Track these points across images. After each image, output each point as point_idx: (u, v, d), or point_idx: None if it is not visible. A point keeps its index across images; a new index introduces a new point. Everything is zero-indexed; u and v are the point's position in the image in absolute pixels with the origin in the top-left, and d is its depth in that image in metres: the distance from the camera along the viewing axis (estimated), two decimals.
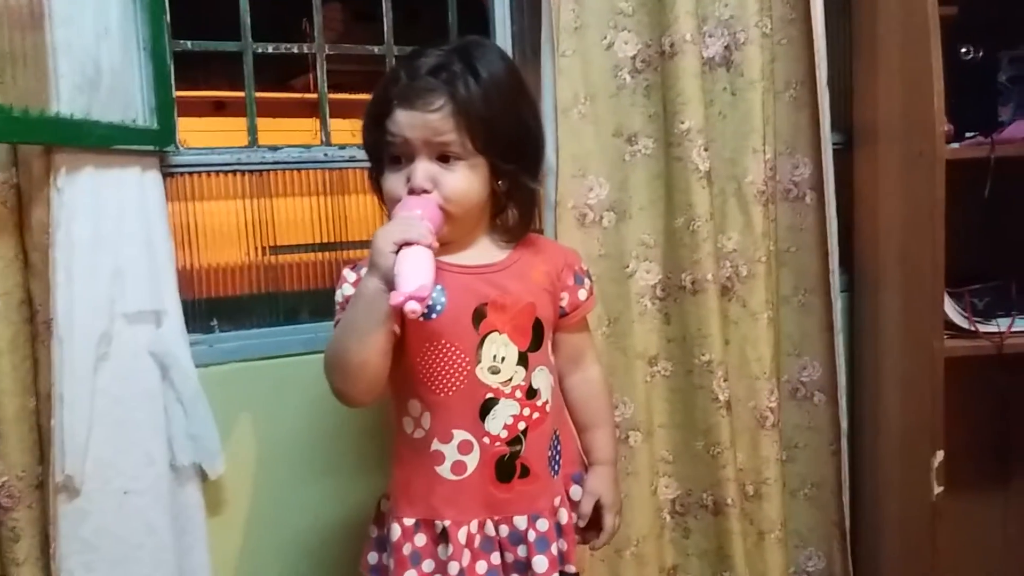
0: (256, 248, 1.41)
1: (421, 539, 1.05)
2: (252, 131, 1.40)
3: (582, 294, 1.14)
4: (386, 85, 1.04)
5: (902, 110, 1.46)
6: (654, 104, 1.44)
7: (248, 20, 1.38)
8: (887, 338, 1.55)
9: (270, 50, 1.42)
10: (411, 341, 1.03)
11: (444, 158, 1.01)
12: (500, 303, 1.05)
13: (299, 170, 1.43)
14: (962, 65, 1.47)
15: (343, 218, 1.47)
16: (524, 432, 1.05)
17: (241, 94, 1.41)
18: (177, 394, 1.19)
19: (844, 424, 1.58)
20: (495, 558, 1.05)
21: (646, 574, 1.50)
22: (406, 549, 1.05)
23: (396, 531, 1.05)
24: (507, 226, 1.10)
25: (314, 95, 1.51)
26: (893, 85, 1.48)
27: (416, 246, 0.92)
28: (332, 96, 1.47)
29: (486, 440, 1.04)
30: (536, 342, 1.08)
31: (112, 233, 1.11)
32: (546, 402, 1.08)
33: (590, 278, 1.17)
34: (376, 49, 1.50)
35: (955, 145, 1.40)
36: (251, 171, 1.39)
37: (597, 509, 1.14)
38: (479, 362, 1.03)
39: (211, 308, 1.37)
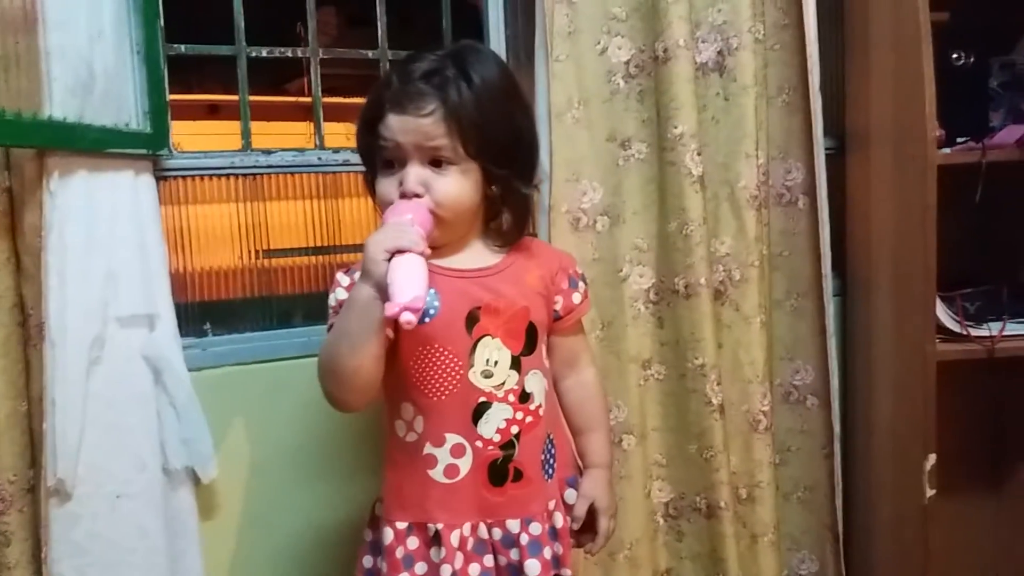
0: (249, 252, 1.41)
1: (414, 542, 1.05)
2: (246, 135, 1.40)
3: (576, 297, 1.15)
4: (379, 89, 1.05)
5: (894, 115, 1.47)
6: (647, 109, 1.45)
7: (242, 24, 1.38)
8: (879, 342, 1.55)
9: (264, 54, 1.42)
10: (404, 345, 1.03)
11: (436, 163, 1.01)
12: (493, 307, 1.05)
13: (293, 174, 1.43)
14: (954, 71, 1.47)
15: (337, 222, 1.47)
16: (517, 436, 1.06)
17: (235, 98, 1.41)
18: (170, 398, 1.19)
19: (837, 427, 1.58)
20: (488, 561, 1.05)
21: None
22: (399, 552, 1.05)
23: (389, 534, 1.05)
24: (501, 230, 1.10)
25: (308, 99, 1.51)
26: (885, 90, 1.49)
27: (409, 254, 0.92)
28: (326, 100, 1.48)
29: (479, 444, 1.04)
30: (529, 346, 1.08)
31: (105, 236, 1.11)
32: (539, 406, 1.09)
33: (584, 281, 1.17)
34: (370, 53, 1.50)
35: (947, 150, 1.40)
36: (244, 175, 1.39)
37: (592, 512, 1.14)
38: (472, 366, 1.03)
39: (204, 312, 1.37)
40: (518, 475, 1.06)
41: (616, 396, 1.47)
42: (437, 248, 1.01)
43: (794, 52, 1.52)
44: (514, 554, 1.05)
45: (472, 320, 1.04)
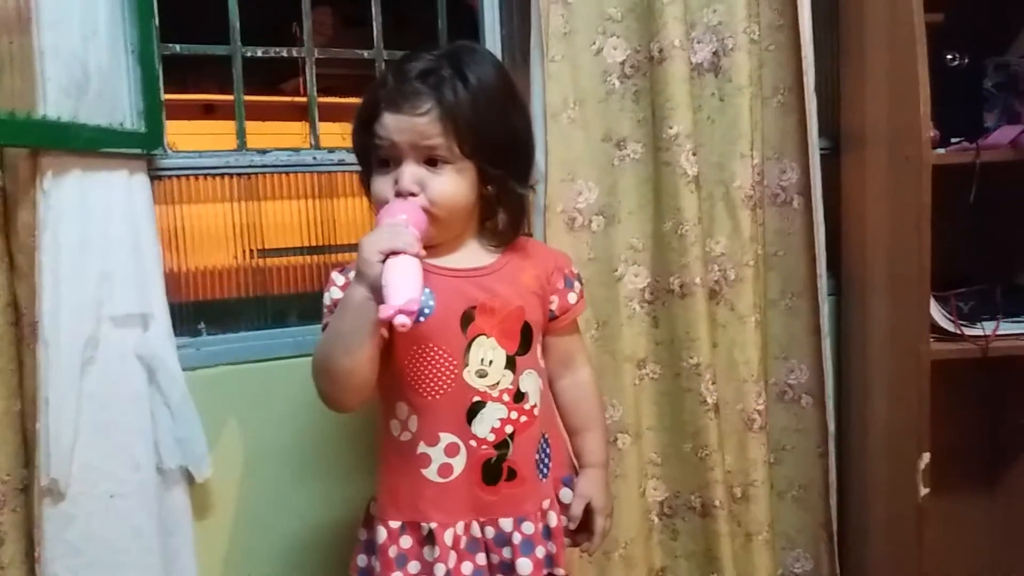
0: (244, 251, 1.41)
1: (407, 541, 1.05)
2: (241, 134, 1.40)
3: (572, 297, 1.15)
4: (375, 89, 1.05)
5: (889, 116, 1.47)
6: (643, 109, 1.45)
7: (237, 24, 1.38)
8: (874, 341, 1.56)
9: (259, 54, 1.42)
10: (399, 344, 1.03)
11: (432, 162, 1.01)
12: (488, 307, 1.05)
13: (288, 173, 1.43)
14: (948, 71, 1.48)
15: (332, 221, 1.47)
16: (511, 435, 1.06)
17: (230, 98, 1.41)
18: (164, 397, 1.19)
19: (831, 426, 1.59)
20: (480, 559, 1.05)
21: (635, 575, 1.50)
22: (392, 551, 1.05)
23: (382, 533, 1.05)
24: (496, 230, 1.10)
25: (304, 99, 1.51)
26: (880, 91, 1.49)
27: (403, 255, 0.91)
28: (322, 100, 1.48)
29: (473, 443, 1.04)
30: (524, 346, 1.08)
31: (99, 236, 1.11)
32: (534, 406, 1.09)
33: (580, 281, 1.17)
34: (366, 53, 1.50)
35: (941, 151, 1.41)
36: (239, 174, 1.39)
37: (588, 512, 1.14)
38: (467, 365, 1.03)
39: (199, 311, 1.36)
40: (512, 474, 1.06)
41: (611, 395, 1.47)
42: (432, 247, 1.01)
43: (789, 53, 1.52)
44: (507, 552, 1.05)
45: (467, 319, 1.04)
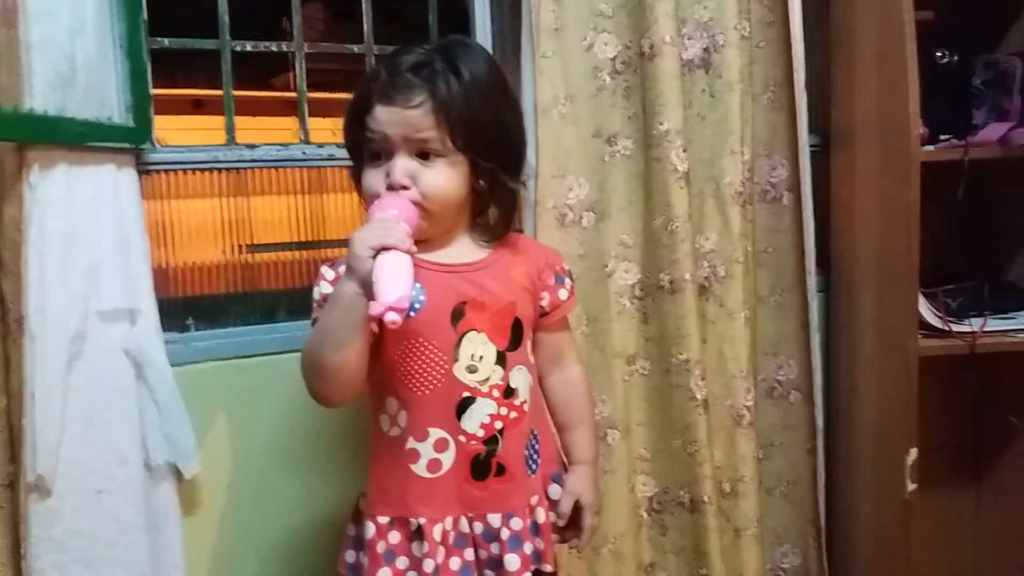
0: (233, 247, 1.40)
1: (395, 537, 1.05)
2: (230, 129, 1.39)
3: (563, 294, 1.15)
4: (367, 82, 1.05)
5: (878, 113, 1.48)
6: (633, 105, 1.45)
7: (227, 18, 1.37)
8: (862, 337, 1.56)
9: (248, 48, 1.41)
10: (389, 339, 1.02)
11: (424, 155, 1.01)
12: (479, 302, 1.05)
13: (277, 168, 1.42)
14: (937, 69, 1.48)
15: (321, 217, 1.46)
16: (501, 431, 1.06)
17: (219, 92, 1.40)
18: (151, 393, 1.18)
19: (820, 422, 1.59)
20: (468, 554, 1.05)
21: (623, 571, 1.51)
22: (380, 547, 1.05)
23: (371, 529, 1.05)
24: (487, 225, 1.10)
25: (293, 94, 1.51)
26: (870, 88, 1.49)
27: (394, 251, 0.91)
28: (312, 95, 1.47)
29: (462, 438, 1.04)
30: (515, 342, 1.08)
31: (86, 231, 1.10)
32: (524, 402, 1.09)
33: (571, 278, 1.17)
34: (356, 48, 1.50)
35: (930, 148, 1.42)
36: (228, 169, 1.38)
37: (576, 509, 1.15)
38: (457, 361, 1.03)
39: (187, 307, 1.36)
40: (501, 470, 1.06)
41: (601, 391, 1.48)
42: (423, 242, 1.01)
43: (780, 49, 1.52)
44: (495, 548, 1.05)
45: (458, 315, 1.04)
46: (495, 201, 1.09)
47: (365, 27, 1.49)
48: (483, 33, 1.53)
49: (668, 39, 1.40)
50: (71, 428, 1.07)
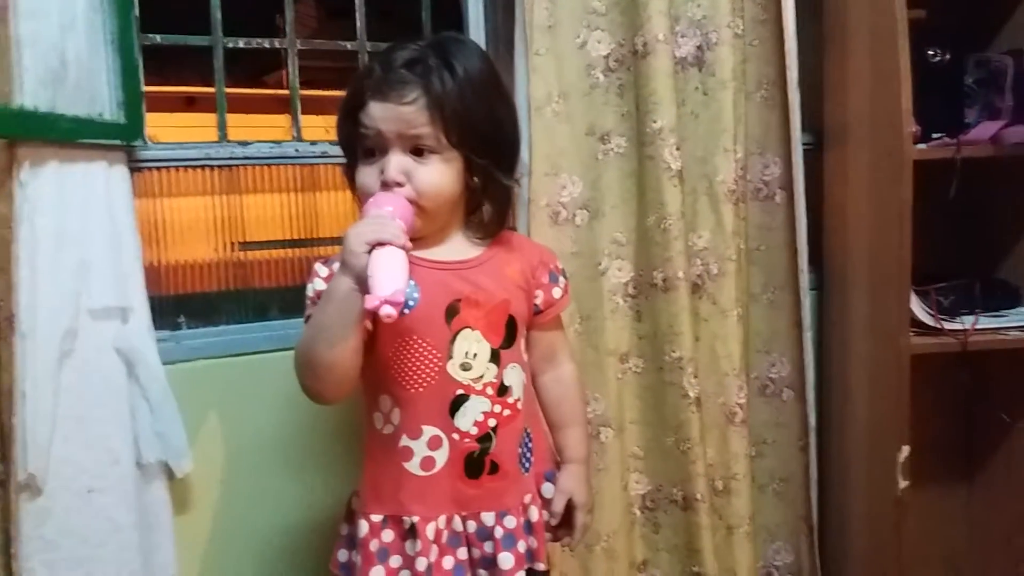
0: (225, 244, 1.40)
1: (389, 535, 1.05)
2: (222, 126, 1.38)
3: (556, 292, 1.15)
4: (361, 78, 1.05)
5: (871, 111, 1.48)
6: (627, 103, 1.45)
7: (219, 14, 1.37)
8: (855, 335, 1.57)
9: (241, 45, 1.40)
10: (382, 336, 1.02)
11: (418, 151, 1.01)
12: (473, 299, 1.05)
13: (270, 165, 1.42)
14: (930, 67, 1.49)
15: (314, 214, 1.46)
16: (495, 429, 1.06)
17: (212, 90, 1.40)
18: (143, 391, 1.17)
19: (812, 420, 1.60)
20: (462, 553, 1.05)
21: (616, 569, 1.51)
22: (373, 545, 1.04)
23: (364, 527, 1.05)
24: (482, 223, 1.10)
25: (286, 91, 1.50)
26: (862, 86, 1.50)
27: (389, 247, 0.91)
28: (305, 92, 1.46)
29: (455, 436, 1.04)
30: (509, 339, 1.08)
31: (77, 228, 1.09)
32: (517, 399, 1.09)
33: (565, 276, 1.17)
34: (349, 45, 1.49)
35: (922, 146, 1.42)
36: (220, 166, 1.38)
37: (568, 508, 1.15)
38: (451, 358, 1.03)
39: (179, 305, 1.35)
40: (494, 468, 1.06)
41: (594, 389, 1.48)
42: (418, 239, 1.01)
43: (772, 47, 1.53)
44: (488, 547, 1.05)
45: (452, 312, 1.04)
46: (489, 198, 1.09)
47: (358, 24, 1.49)
48: (476, 30, 1.53)
49: (661, 37, 1.40)
50: (62, 426, 1.07)
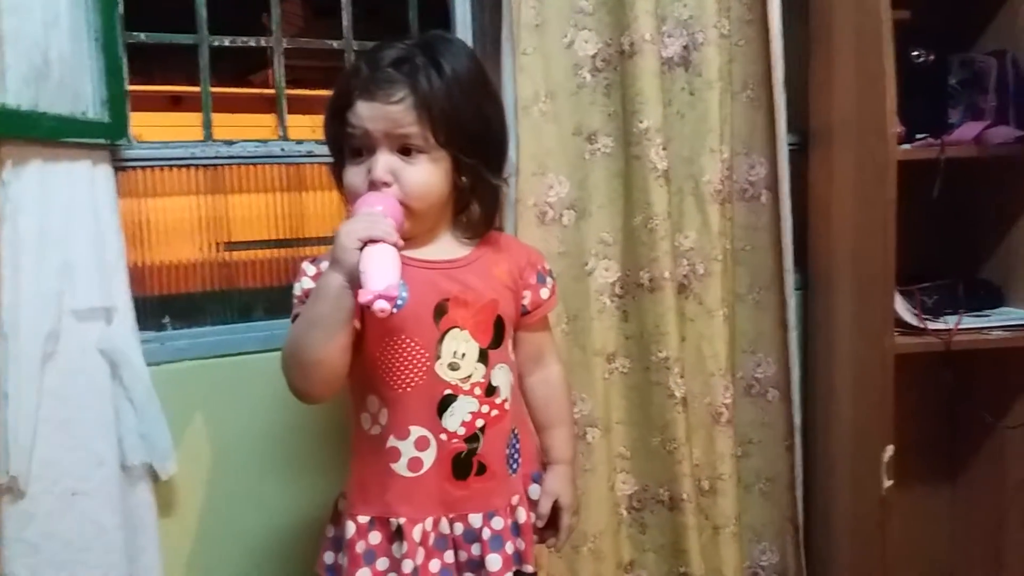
0: (210, 244, 1.39)
1: (376, 537, 1.04)
2: (207, 125, 1.38)
3: (544, 293, 1.15)
4: (348, 77, 1.04)
5: (856, 112, 1.49)
6: (614, 103, 1.45)
7: (204, 13, 1.36)
8: (840, 335, 1.58)
9: (226, 43, 1.40)
10: (370, 336, 1.02)
11: (406, 151, 1.00)
12: (462, 299, 1.05)
13: (255, 165, 1.41)
14: (914, 68, 1.50)
15: (300, 214, 1.45)
16: (482, 429, 1.05)
17: (197, 89, 1.39)
18: (127, 393, 1.16)
19: (797, 420, 1.60)
20: (448, 556, 1.05)
21: (603, 569, 1.51)
22: (360, 547, 1.04)
23: (350, 528, 1.04)
24: (470, 222, 1.10)
25: (272, 90, 1.49)
26: (847, 87, 1.51)
27: (381, 244, 0.91)
28: (291, 92, 1.46)
29: (443, 437, 1.03)
30: (497, 339, 1.07)
31: (61, 228, 1.08)
32: (505, 400, 1.08)
33: (552, 277, 1.17)
34: (335, 44, 1.49)
35: (906, 146, 1.43)
36: (206, 166, 1.37)
37: (554, 509, 1.15)
38: (439, 358, 1.03)
39: (163, 305, 1.34)
40: (482, 469, 1.05)
41: (581, 389, 1.48)
42: (407, 239, 1.00)
43: (758, 48, 1.53)
44: (475, 549, 1.05)
45: (440, 312, 1.03)
46: (477, 198, 1.08)
47: (344, 23, 1.48)
48: (463, 29, 1.53)
49: (648, 37, 1.40)
50: (45, 428, 1.06)
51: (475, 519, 1.05)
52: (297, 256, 1.45)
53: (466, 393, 1.04)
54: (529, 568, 1.09)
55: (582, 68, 1.44)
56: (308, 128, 1.50)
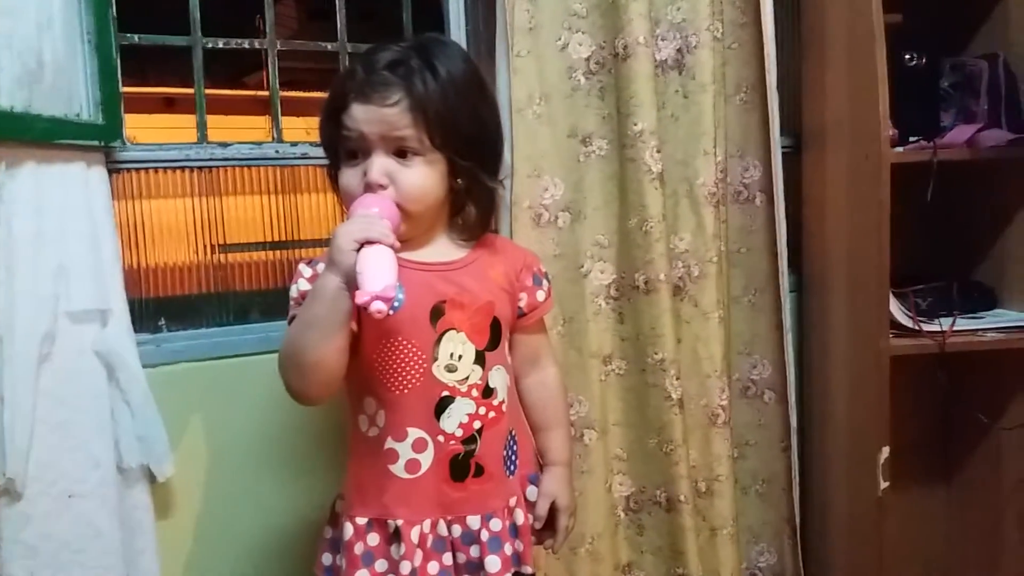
0: (205, 246, 1.38)
1: (374, 539, 1.04)
2: (201, 127, 1.37)
3: (540, 295, 1.15)
4: (343, 80, 1.04)
5: (849, 114, 1.50)
6: (608, 106, 1.45)
7: (198, 14, 1.36)
8: (835, 337, 1.58)
9: (220, 45, 1.39)
10: (367, 337, 1.02)
11: (401, 153, 1.00)
12: (458, 301, 1.05)
13: (250, 167, 1.41)
14: (906, 71, 1.50)
15: (295, 216, 1.45)
16: (480, 431, 1.05)
17: (191, 91, 1.38)
18: (124, 395, 1.16)
19: (794, 421, 1.61)
20: (447, 559, 1.05)
21: (601, 571, 1.51)
22: (358, 548, 1.04)
23: (349, 530, 1.04)
24: (466, 224, 1.10)
25: (266, 92, 1.49)
26: (840, 90, 1.51)
27: (378, 245, 0.91)
28: (285, 94, 1.46)
29: (441, 438, 1.03)
30: (494, 341, 1.07)
31: (55, 230, 1.08)
32: (502, 402, 1.08)
33: (548, 280, 1.17)
34: (329, 46, 1.49)
35: (899, 149, 1.44)
36: (200, 168, 1.36)
37: (552, 511, 1.15)
38: (436, 360, 1.03)
39: (159, 307, 1.34)
40: (479, 470, 1.05)
41: (577, 391, 1.48)
42: (403, 242, 1.00)
43: (752, 51, 1.54)
44: (474, 551, 1.05)
45: (437, 314, 1.03)
46: (473, 200, 1.08)
47: (339, 25, 1.48)
48: (457, 32, 1.53)
49: (642, 40, 1.40)
50: (42, 430, 1.05)
51: (473, 521, 1.05)
52: (292, 258, 1.45)
53: (463, 395, 1.04)
54: (528, 569, 1.09)
55: (576, 71, 1.44)
56: (302, 130, 1.50)
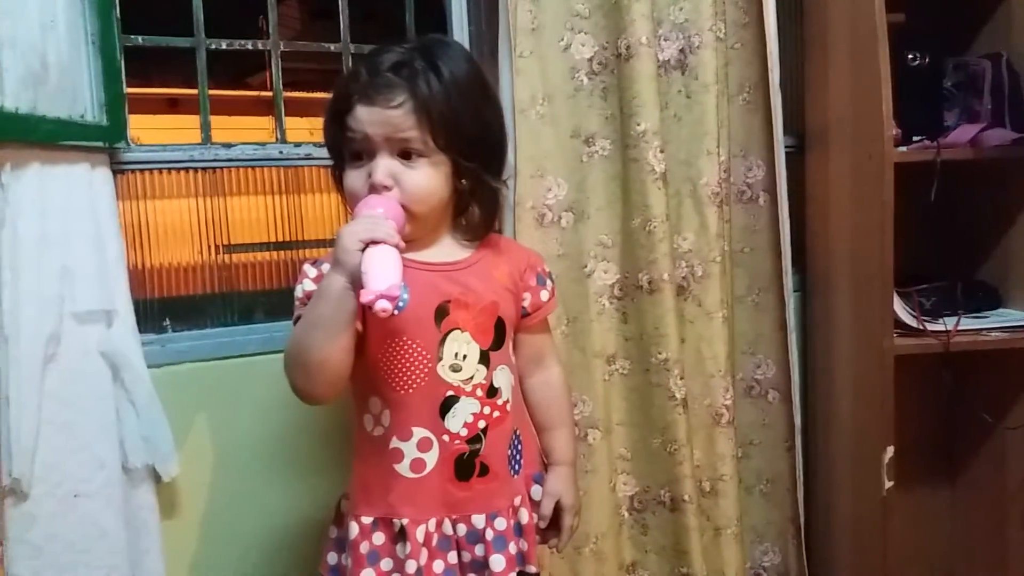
0: (210, 247, 1.39)
1: (379, 538, 1.04)
2: (205, 128, 1.38)
3: (544, 295, 1.15)
4: (347, 81, 1.04)
5: (852, 114, 1.50)
6: (611, 106, 1.45)
7: (201, 16, 1.36)
8: (839, 336, 1.58)
9: (224, 46, 1.40)
10: (372, 337, 1.02)
11: (406, 155, 1.00)
12: (463, 301, 1.05)
13: (253, 167, 1.41)
14: (909, 71, 1.50)
15: (299, 217, 1.45)
16: (484, 431, 1.05)
17: (195, 92, 1.39)
18: (129, 395, 1.16)
19: (798, 421, 1.61)
20: (452, 557, 1.05)
21: (605, 571, 1.51)
22: (364, 547, 1.04)
23: (354, 529, 1.04)
24: (470, 225, 1.10)
25: (270, 93, 1.49)
26: (843, 90, 1.51)
27: (383, 245, 0.92)
28: (289, 94, 1.46)
29: (446, 438, 1.03)
30: (498, 341, 1.08)
31: (60, 231, 1.08)
32: (507, 401, 1.09)
33: (552, 279, 1.17)
34: (332, 47, 1.49)
35: (903, 148, 1.44)
36: (204, 168, 1.37)
37: (556, 510, 1.15)
38: (440, 359, 1.03)
39: (164, 308, 1.34)
40: (484, 470, 1.06)
41: (581, 391, 1.48)
42: (408, 243, 1.01)
43: (754, 51, 1.54)
44: (479, 550, 1.05)
45: (441, 313, 1.03)
46: (477, 201, 1.09)
47: (342, 26, 1.48)
48: (460, 32, 1.53)
49: (644, 40, 1.41)
50: (47, 431, 1.05)
51: (478, 520, 1.05)
52: (296, 258, 1.46)
53: (468, 394, 1.04)
54: (532, 568, 1.09)
55: (579, 71, 1.44)
56: (306, 131, 1.51)
